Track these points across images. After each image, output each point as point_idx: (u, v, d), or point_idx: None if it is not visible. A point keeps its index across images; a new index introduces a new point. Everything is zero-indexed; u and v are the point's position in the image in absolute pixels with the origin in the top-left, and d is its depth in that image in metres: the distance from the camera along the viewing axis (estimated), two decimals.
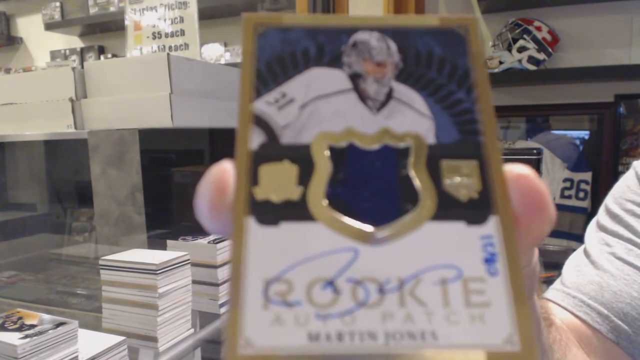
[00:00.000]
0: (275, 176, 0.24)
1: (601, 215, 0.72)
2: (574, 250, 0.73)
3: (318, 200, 0.23)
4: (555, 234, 2.29)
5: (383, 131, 0.25)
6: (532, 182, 0.24)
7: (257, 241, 0.22)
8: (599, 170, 2.27)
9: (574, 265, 0.69)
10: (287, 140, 0.25)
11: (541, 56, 2.22)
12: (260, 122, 0.25)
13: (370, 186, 0.24)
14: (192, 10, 1.83)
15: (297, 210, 0.23)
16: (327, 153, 0.24)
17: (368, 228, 0.23)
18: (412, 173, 0.24)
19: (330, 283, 0.22)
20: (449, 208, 0.23)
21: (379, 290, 0.22)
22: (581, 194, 2.27)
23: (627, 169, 0.73)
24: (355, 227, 0.23)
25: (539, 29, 2.21)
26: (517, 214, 0.24)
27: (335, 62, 0.27)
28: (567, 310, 0.65)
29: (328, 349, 0.21)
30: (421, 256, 0.22)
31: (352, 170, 0.24)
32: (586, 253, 0.69)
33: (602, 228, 0.70)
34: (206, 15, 2.93)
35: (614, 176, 2.22)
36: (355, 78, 0.27)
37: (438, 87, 0.26)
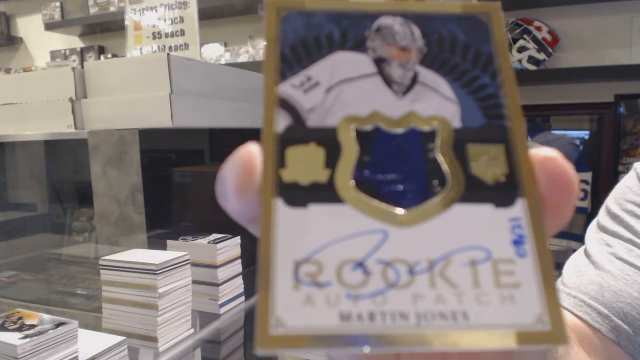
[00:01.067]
0: (302, 159, 0.24)
1: (602, 216, 0.72)
2: (574, 250, 0.73)
3: (346, 182, 0.23)
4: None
5: (409, 115, 0.25)
6: (558, 164, 0.24)
7: (286, 223, 0.22)
8: (599, 170, 2.27)
9: (575, 265, 0.69)
10: (313, 123, 0.25)
11: (541, 56, 2.22)
12: (286, 105, 0.25)
13: (397, 169, 0.24)
14: (192, 10, 1.83)
15: (325, 193, 0.23)
16: (354, 136, 0.25)
17: (397, 210, 0.23)
18: (439, 156, 0.24)
19: (360, 264, 0.22)
20: (476, 190, 0.24)
21: (409, 271, 0.22)
22: (581, 194, 2.27)
23: (627, 169, 0.74)
24: (384, 208, 0.23)
25: (539, 29, 2.21)
26: (544, 196, 0.24)
27: (359, 46, 0.27)
28: (567, 310, 0.65)
29: (360, 328, 0.21)
30: (450, 238, 0.23)
31: (379, 153, 0.25)
32: (586, 253, 0.69)
33: (602, 228, 0.70)
34: (206, 15, 2.93)
35: (614, 176, 2.22)
36: (379, 62, 0.27)
37: (463, 72, 0.27)
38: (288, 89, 0.25)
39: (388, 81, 0.26)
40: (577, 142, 2.33)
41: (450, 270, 0.22)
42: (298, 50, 0.26)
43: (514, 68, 2.21)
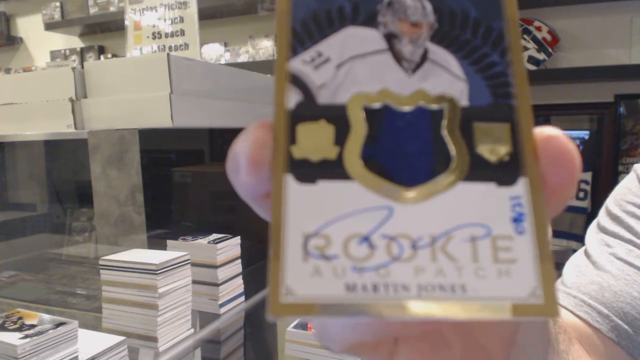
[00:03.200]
0: (312, 135, 0.24)
1: (602, 217, 0.72)
2: (574, 250, 0.73)
3: (354, 160, 0.24)
4: (555, 234, 2.28)
5: (418, 93, 0.26)
6: (560, 143, 0.24)
7: (296, 198, 0.23)
8: (599, 170, 2.27)
9: (575, 265, 0.69)
10: (323, 100, 0.25)
11: (541, 56, 2.22)
12: (297, 81, 0.25)
13: (405, 147, 0.25)
14: (192, 10, 1.83)
15: (333, 169, 0.24)
16: (363, 114, 0.25)
17: (402, 187, 0.24)
18: (445, 135, 0.25)
19: (366, 239, 0.23)
20: (480, 169, 0.24)
21: (412, 246, 0.23)
22: (581, 194, 2.27)
23: (627, 169, 0.74)
24: (389, 186, 0.24)
25: (539, 29, 2.21)
26: (545, 175, 0.24)
27: (370, 21, 0.27)
28: (567, 309, 0.64)
29: (364, 298, 0.22)
30: (453, 215, 0.23)
31: (387, 131, 0.25)
32: (587, 254, 0.69)
33: (602, 229, 0.70)
34: (206, 15, 2.93)
35: (614, 176, 2.22)
36: (390, 38, 0.27)
37: (472, 50, 0.27)
38: (299, 64, 0.25)
39: (398, 58, 0.26)
40: (577, 142, 2.33)
41: (451, 245, 0.23)
42: (309, 25, 0.26)
43: None
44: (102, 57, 3.35)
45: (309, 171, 0.24)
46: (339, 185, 0.24)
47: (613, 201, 0.71)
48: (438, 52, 0.26)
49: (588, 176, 2.26)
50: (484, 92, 0.26)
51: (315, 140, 0.24)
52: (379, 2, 0.27)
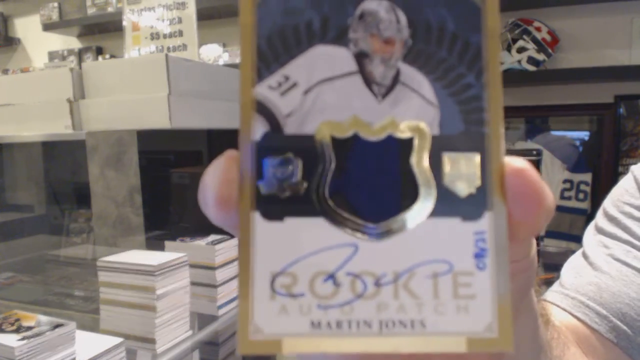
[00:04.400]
0: (279, 170, 0.24)
1: (599, 218, 0.72)
2: (573, 251, 0.74)
3: (321, 195, 0.24)
4: (554, 235, 2.29)
5: (388, 121, 0.25)
6: (527, 177, 0.24)
7: (263, 236, 0.24)
8: (599, 171, 2.27)
9: (573, 267, 0.70)
10: (290, 130, 0.24)
11: (541, 57, 2.22)
12: (263, 110, 0.24)
13: (373, 180, 0.25)
14: (191, 10, 1.82)
15: (301, 206, 0.24)
16: (331, 145, 0.25)
17: (368, 224, 0.24)
18: (414, 167, 0.25)
19: (331, 276, 0.24)
20: (447, 204, 0.24)
21: (375, 283, 0.24)
22: (581, 195, 2.27)
23: (627, 170, 0.74)
24: (355, 222, 0.24)
25: (538, 29, 2.21)
26: (511, 210, 0.24)
27: (340, 38, 0.25)
28: (565, 311, 0.65)
29: (328, 335, 0.23)
30: (417, 251, 0.24)
31: (356, 162, 0.25)
32: (584, 255, 0.70)
33: (600, 230, 0.70)
34: (205, 16, 2.92)
35: (614, 177, 2.22)
36: (361, 58, 0.25)
37: (447, 70, 0.25)
38: (265, 90, 0.25)
39: (368, 81, 0.25)
40: (577, 143, 2.33)
41: (413, 282, 0.24)
42: (275, 43, 0.25)
43: (514, 69, 2.23)
44: (100, 57, 3.35)
45: (276, 208, 0.24)
46: (305, 222, 0.24)
47: (610, 202, 0.71)
48: (410, 74, 0.25)
49: (588, 177, 2.26)
50: (455, 118, 0.25)
51: (282, 175, 0.24)
52: (350, 15, 0.25)
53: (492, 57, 0.25)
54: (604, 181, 2.24)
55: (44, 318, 1.00)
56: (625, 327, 0.61)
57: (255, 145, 0.24)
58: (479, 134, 0.25)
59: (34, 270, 1.83)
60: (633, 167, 0.72)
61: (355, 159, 0.25)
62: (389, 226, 0.24)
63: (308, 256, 0.24)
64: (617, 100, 2.19)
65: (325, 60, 0.25)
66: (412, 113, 0.25)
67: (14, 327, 0.97)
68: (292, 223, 0.24)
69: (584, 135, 2.34)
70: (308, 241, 0.24)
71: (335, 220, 0.24)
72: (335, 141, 0.25)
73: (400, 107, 0.25)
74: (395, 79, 0.25)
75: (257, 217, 0.24)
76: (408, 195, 0.24)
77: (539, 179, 0.24)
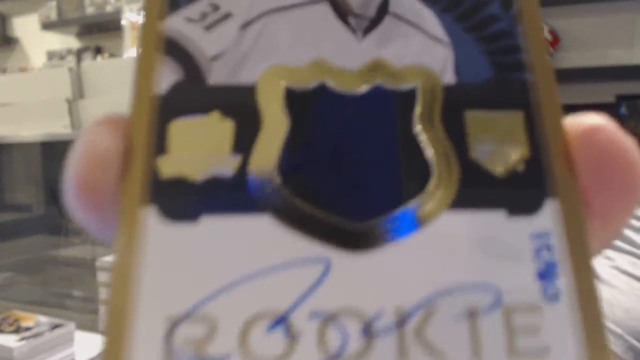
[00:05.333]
0: (196, 138, 0.15)
1: None
2: None
3: (266, 177, 0.15)
4: None
5: (374, 65, 0.17)
6: (611, 139, 0.15)
7: (160, 249, 0.14)
8: None
9: None
10: (218, 79, 0.16)
11: None
12: (176, 50, 0.16)
13: (352, 154, 0.16)
14: None
15: (230, 195, 0.15)
16: (283, 100, 0.16)
17: (347, 223, 0.15)
18: (419, 132, 0.16)
19: (282, 320, 0.13)
20: (479, 188, 0.15)
21: (363, 330, 0.13)
22: None
23: None
24: (325, 221, 0.15)
25: None
26: (589, 196, 0.15)
27: None
28: None
29: None
30: (434, 269, 0.14)
31: (323, 127, 0.16)
32: None
33: None
34: None
35: None
36: None
37: None
38: (179, 23, 0.17)
39: (342, 11, 0.17)
40: None
41: (433, 326, 0.14)
42: None
43: None
44: (99, 57, 3.34)
45: (186, 199, 0.15)
46: (237, 223, 0.14)
47: None
48: (405, 2, 0.18)
49: None
50: (479, 61, 0.17)
51: (201, 147, 0.15)
52: None
53: None
54: None
55: (43, 319, 1.00)
56: None
57: (157, 101, 0.15)
58: (519, 82, 0.16)
59: (33, 270, 1.83)
60: None
61: (324, 122, 0.16)
62: (383, 228, 0.15)
63: (239, 283, 0.14)
64: (618, 100, 2.18)
65: None
66: (412, 53, 0.17)
67: (13, 328, 0.96)
68: (215, 224, 0.14)
69: None
70: (241, 256, 0.14)
71: (292, 218, 0.14)
72: (291, 95, 0.16)
73: (392, 45, 0.17)
74: (383, 9, 0.17)
75: (151, 216, 0.14)
76: (412, 176, 0.15)
77: (630, 142, 0.15)
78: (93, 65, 1.70)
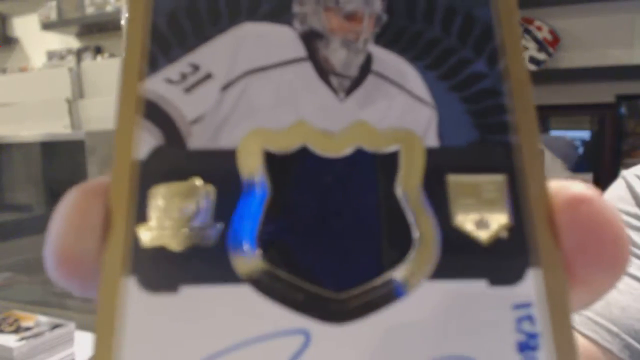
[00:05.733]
0: (175, 206, 0.15)
1: None
2: None
3: (247, 246, 0.15)
4: None
5: (355, 127, 0.16)
6: (597, 211, 0.15)
7: (141, 321, 0.14)
8: (600, 171, 2.26)
9: None
10: (198, 144, 0.16)
11: (542, 56, 2.21)
12: (155, 114, 0.16)
13: (332, 221, 0.15)
14: None
15: (210, 265, 0.15)
16: (264, 165, 0.16)
17: (328, 293, 0.15)
18: (401, 197, 0.16)
19: None
20: (460, 256, 0.15)
21: None
22: None
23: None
24: (305, 292, 0.15)
25: (539, 28, 2.20)
26: (572, 265, 0.15)
27: (280, 13, 0.17)
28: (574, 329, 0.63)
29: None
30: (414, 343, 0.14)
31: (304, 193, 0.16)
32: None
33: None
34: None
35: (615, 177, 2.21)
36: (312, 39, 0.17)
37: (444, 54, 0.17)
38: (159, 85, 0.16)
39: (324, 71, 0.17)
40: (578, 143, 2.33)
41: None
42: (180, 21, 0.17)
43: None
44: (99, 57, 3.34)
45: (166, 270, 0.14)
46: (216, 294, 0.14)
47: None
48: (388, 61, 0.17)
49: (589, 177, 2.26)
50: (463, 121, 0.16)
51: (181, 215, 0.15)
52: None
53: (509, 36, 0.17)
54: (605, 182, 2.24)
55: (43, 318, 1.00)
56: (637, 345, 0.60)
57: (137, 167, 0.15)
58: (503, 145, 0.16)
59: (33, 270, 1.83)
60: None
61: (305, 187, 0.16)
62: (363, 298, 0.14)
63: (219, 357, 0.14)
64: (618, 100, 2.18)
65: (256, 41, 0.17)
66: (395, 114, 0.16)
67: (13, 328, 0.96)
68: (194, 295, 0.14)
69: (585, 135, 2.33)
70: (221, 328, 0.14)
71: (271, 289, 0.14)
72: (272, 159, 0.16)
73: (374, 106, 0.17)
74: (365, 69, 0.17)
75: (131, 287, 0.14)
76: (393, 243, 0.15)
77: (614, 214, 0.15)
78: (93, 65, 1.70)
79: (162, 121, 0.16)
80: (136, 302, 0.14)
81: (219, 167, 0.15)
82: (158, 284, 0.14)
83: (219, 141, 0.16)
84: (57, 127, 1.60)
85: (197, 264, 0.14)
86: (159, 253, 0.14)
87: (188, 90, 0.16)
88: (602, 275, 0.15)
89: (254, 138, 0.16)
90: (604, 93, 2.19)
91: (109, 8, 3.12)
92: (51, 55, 3.45)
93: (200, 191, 0.15)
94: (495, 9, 0.17)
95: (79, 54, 3.40)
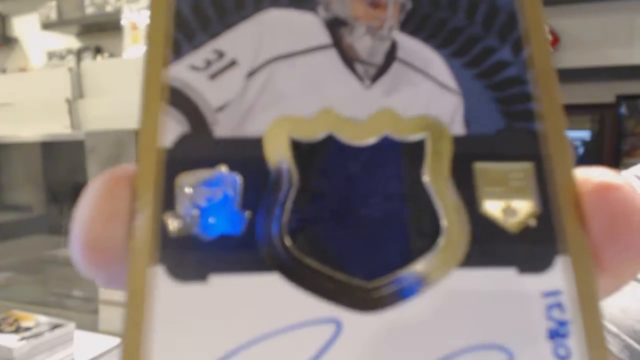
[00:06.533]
0: (203, 193, 0.15)
1: None
2: None
3: (275, 235, 0.15)
4: None
5: (382, 115, 0.16)
6: (626, 198, 0.15)
7: (170, 310, 0.14)
8: None
9: None
10: (224, 132, 0.16)
11: None
12: (180, 101, 0.16)
13: (360, 208, 0.15)
14: None
15: (239, 254, 0.15)
16: (291, 153, 0.16)
17: (356, 282, 0.15)
18: (428, 185, 0.16)
19: None
20: (489, 245, 0.15)
21: None
22: None
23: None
24: (334, 280, 0.15)
25: None
26: (599, 253, 0.15)
27: (304, 0, 0.17)
28: None
29: None
30: (446, 330, 0.14)
31: (331, 181, 0.16)
32: None
33: None
34: None
35: None
36: (336, 26, 0.17)
37: (468, 42, 0.17)
38: (184, 72, 0.16)
39: (349, 58, 0.17)
40: (578, 143, 2.33)
41: None
42: (204, 8, 0.17)
43: None
44: (98, 57, 3.34)
45: (195, 259, 0.14)
46: (246, 282, 0.14)
47: None
48: (413, 48, 0.17)
49: None
50: (489, 109, 0.17)
51: (208, 203, 0.15)
52: None
53: (534, 25, 0.17)
54: None
55: (42, 319, 1.00)
56: (637, 346, 0.59)
57: (163, 155, 0.15)
58: (529, 133, 0.16)
59: (33, 270, 1.83)
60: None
61: (332, 175, 0.16)
62: (393, 286, 0.14)
63: (250, 346, 0.14)
64: (618, 100, 2.18)
65: (281, 28, 0.17)
66: (420, 102, 0.17)
67: (13, 328, 0.96)
68: (223, 285, 0.14)
69: (585, 135, 2.34)
70: (251, 318, 0.14)
71: (301, 277, 0.14)
72: (299, 148, 0.16)
73: (400, 94, 0.17)
74: (391, 56, 0.17)
75: (159, 276, 0.14)
76: (421, 232, 0.15)
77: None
78: (93, 65, 1.70)
79: (187, 109, 0.16)
80: (165, 291, 0.14)
81: (245, 156, 0.15)
82: (187, 273, 0.14)
83: (245, 129, 0.16)
84: (57, 127, 1.60)
85: (226, 252, 0.14)
86: (187, 242, 0.14)
87: (213, 77, 0.16)
88: (630, 262, 0.15)
89: (280, 126, 0.16)
90: (604, 93, 2.19)
91: (109, 8, 3.12)
92: (51, 55, 3.45)
93: (227, 179, 0.15)
94: None
95: (79, 54, 3.40)
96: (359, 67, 0.17)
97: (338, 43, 0.17)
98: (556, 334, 0.14)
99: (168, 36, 0.16)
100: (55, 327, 0.95)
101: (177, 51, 0.16)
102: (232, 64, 0.17)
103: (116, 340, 1.03)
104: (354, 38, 0.17)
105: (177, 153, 0.15)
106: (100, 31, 3.33)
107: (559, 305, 0.14)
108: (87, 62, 2.95)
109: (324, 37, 0.17)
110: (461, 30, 0.17)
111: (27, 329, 0.93)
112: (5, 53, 3.69)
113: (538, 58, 0.17)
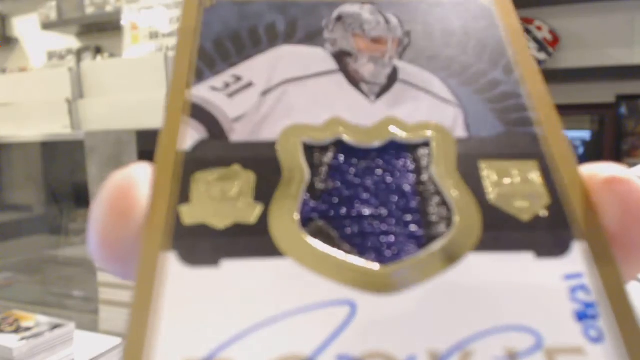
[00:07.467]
0: (217, 188, 0.16)
1: None
2: None
3: (287, 223, 0.15)
4: None
5: (387, 121, 0.17)
6: (635, 189, 0.15)
7: (180, 292, 0.14)
8: None
9: None
10: (239, 137, 0.17)
11: (541, 56, 2.21)
12: (200, 113, 0.17)
13: (371, 200, 0.16)
14: None
15: (251, 240, 0.15)
16: (302, 154, 0.17)
17: (372, 265, 0.15)
18: (438, 177, 0.16)
19: None
20: (503, 231, 0.15)
21: None
22: None
23: None
24: (349, 264, 0.15)
25: (539, 28, 2.20)
26: (613, 244, 0.15)
27: (313, 38, 0.20)
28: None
29: None
30: (466, 312, 0.14)
31: (342, 176, 0.16)
32: None
33: None
34: None
35: None
36: (342, 57, 0.19)
37: (463, 67, 0.19)
38: (205, 92, 0.18)
39: (354, 80, 0.19)
40: (578, 143, 2.33)
41: None
42: (225, 44, 0.19)
43: None
44: (98, 57, 3.34)
45: (206, 245, 0.14)
46: (259, 267, 0.14)
47: None
48: (413, 72, 0.19)
49: None
50: (488, 117, 0.18)
51: (222, 196, 0.15)
52: (325, 16, 0.20)
53: (521, 53, 0.19)
54: None
55: (42, 318, 1.00)
56: None
57: (181, 155, 0.16)
58: (529, 135, 0.17)
59: (33, 270, 1.83)
60: None
61: (342, 171, 0.16)
62: (409, 267, 0.14)
63: (262, 328, 0.13)
64: (618, 100, 2.18)
65: (293, 58, 0.19)
66: (422, 112, 0.18)
67: (13, 328, 0.96)
68: (236, 269, 0.14)
69: (585, 135, 2.34)
70: (263, 299, 0.14)
71: (314, 261, 0.14)
72: (309, 149, 0.17)
73: (403, 106, 0.18)
74: (393, 78, 0.19)
75: (171, 261, 0.14)
76: (433, 220, 0.15)
77: None
78: (93, 65, 1.70)
79: (206, 119, 0.17)
80: (176, 275, 0.14)
81: (259, 156, 0.16)
82: (199, 258, 0.14)
83: (259, 135, 0.17)
84: (57, 127, 1.60)
85: (239, 239, 0.15)
86: (200, 229, 0.15)
87: (231, 95, 0.18)
88: None
89: (292, 131, 0.17)
90: (604, 93, 2.19)
91: (109, 8, 3.12)
92: (51, 55, 3.45)
93: (241, 175, 0.16)
94: (504, 32, 0.19)
95: (79, 54, 3.40)
96: (364, 86, 0.19)
97: (344, 69, 0.19)
98: (584, 315, 0.14)
99: (192, 64, 0.18)
100: (55, 327, 0.95)
101: (200, 76, 0.18)
102: (249, 85, 0.18)
103: (116, 340, 1.03)
104: (359, 65, 0.19)
105: (195, 154, 0.16)
106: (100, 31, 3.33)
107: (582, 287, 0.14)
108: (87, 62, 2.95)
109: (332, 64, 0.19)
110: (455, 58, 0.19)
111: (27, 329, 0.94)
112: (5, 53, 3.69)
113: (528, 77, 0.18)
